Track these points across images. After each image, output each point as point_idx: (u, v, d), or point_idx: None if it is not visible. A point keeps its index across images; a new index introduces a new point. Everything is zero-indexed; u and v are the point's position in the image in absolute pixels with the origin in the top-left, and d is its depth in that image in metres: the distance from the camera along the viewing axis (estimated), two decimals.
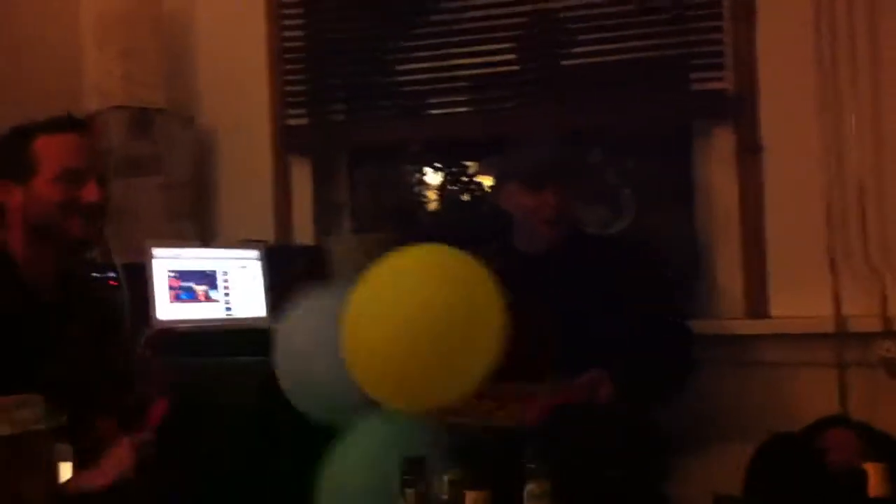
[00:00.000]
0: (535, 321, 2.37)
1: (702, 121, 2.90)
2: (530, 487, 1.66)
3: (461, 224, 3.28)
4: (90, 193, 2.02)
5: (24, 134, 2.04)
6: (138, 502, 1.94)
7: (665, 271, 2.58)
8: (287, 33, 3.22)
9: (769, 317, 2.77)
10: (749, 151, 2.81)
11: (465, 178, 3.33)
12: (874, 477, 1.70)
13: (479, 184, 3.31)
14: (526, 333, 2.35)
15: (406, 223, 3.27)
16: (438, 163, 3.33)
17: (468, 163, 3.32)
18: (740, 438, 2.39)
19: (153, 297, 2.57)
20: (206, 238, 3.07)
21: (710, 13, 2.84)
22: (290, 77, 3.22)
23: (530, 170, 2.47)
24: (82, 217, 2.02)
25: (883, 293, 2.63)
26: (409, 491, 1.61)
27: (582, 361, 2.27)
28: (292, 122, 3.22)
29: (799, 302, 2.72)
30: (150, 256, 2.61)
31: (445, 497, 1.64)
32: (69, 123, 2.07)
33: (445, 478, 1.64)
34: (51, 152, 2.02)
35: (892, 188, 2.68)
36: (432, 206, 3.35)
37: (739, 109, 2.81)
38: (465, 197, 3.31)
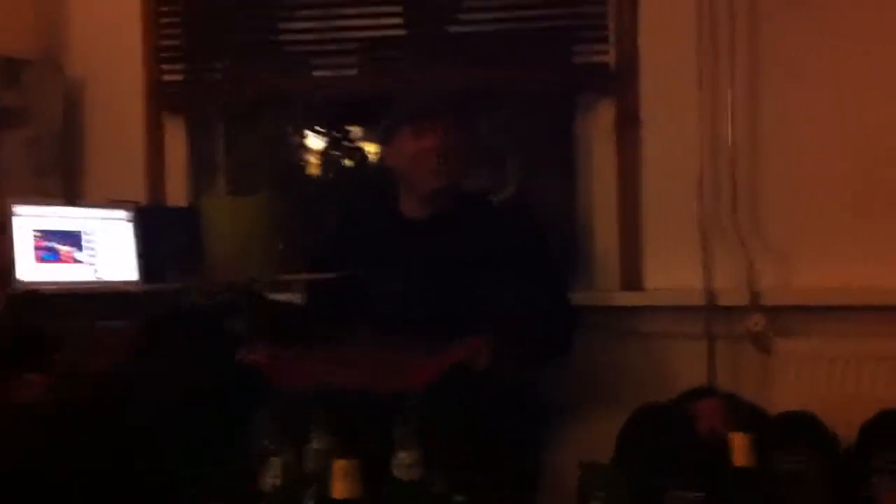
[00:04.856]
0: (416, 286, 2.36)
1: (584, 92, 2.92)
2: (400, 456, 1.65)
3: (342, 188, 3.23)
4: None
5: None
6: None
7: (546, 239, 2.59)
8: None
9: (643, 289, 2.81)
10: (628, 124, 2.83)
11: (347, 143, 3.27)
12: (738, 447, 1.74)
13: (362, 149, 3.26)
14: (406, 298, 2.34)
15: (285, 186, 3.19)
16: (321, 126, 3.26)
17: (351, 127, 3.26)
18: (614, 408, 2.42)
19: (13, 257, 2.45)
20: (72, 196, 2.94)
21: None
22: (167, 30, 3.10)
23: (415, 110, 2.45)
24: None
25: (752, 268, 2.70)
26: (275, 460, 1.58)
27: (462, 327, 2.26)
28: (167, 77, 3.10)
29: (672, 275, 2.77)
30: (11, 214, 2.48)
31: (312, 466, 1.61)
32: None
33: (312, 446, 1.61)
34: None
35: (765, 165, 2.75)
36: (313, 169, 3.28)
37: (620, 83, 2.83)
38: (348, 162, 3.26)
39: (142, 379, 2.19)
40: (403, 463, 1.66)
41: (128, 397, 2.14)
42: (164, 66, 3.10)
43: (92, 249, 2.64)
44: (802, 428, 2.13)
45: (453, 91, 2.61)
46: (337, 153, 3.27)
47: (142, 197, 3.00)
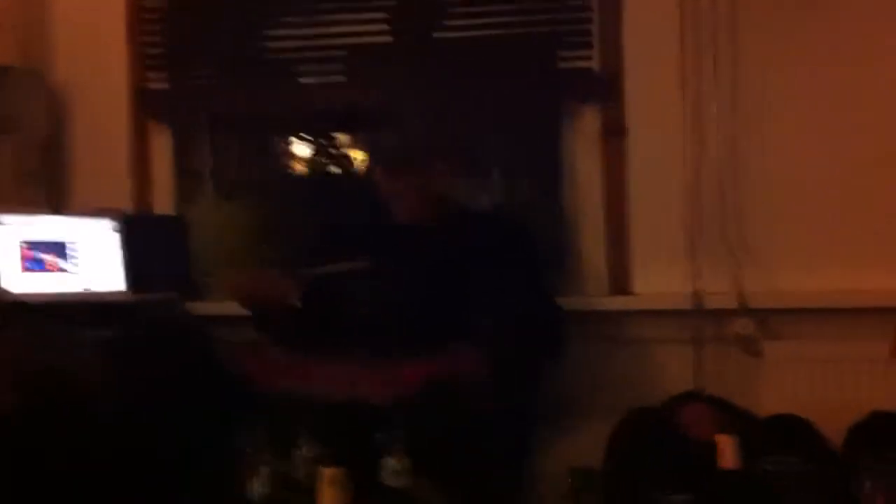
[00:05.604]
0: (407, 294, 2.35)
1: (570, 100, 2.92)
2: (388, 463, 1.64)
3: (330, 194, 3.23)
4: None
5: None
6: None
7: (535, 248, 2.59)
8: None
9: (631, 293, 2.82)
10: (614, 132, 2.84)
11: (334, 150, 3.26)
12: (725, 449, 1.75)
13: (348, 156, 3.25)
14: (397, 305, 2.34)
15: (271, 193, 3.18)
16: (307, 133, 3.25)
17: (337, 133, 3.25)
18: (603, 413, 2.42)
19: None
20: (56, 205, 2.93)
21: None
22: (151, 38, 3.09)
23: (387, 155, 2.49)
24: None
25: (739, 272, 2.70)
26: (263, 468, 1.57)
27: (452, 335, 2.26)
28: (152, 85, 3.09)
29: (660, 279, 2.78)
30: None
31: (300, 474, 1.60)
32: None
33: (301, 454, 1.61)
34: None
35: (750, 170, 2.76)
36: (299, 176, 3.27)
37: (605, 89, 2.84)
38: (334, 168, 3.25)
39: (124, 387, 2.17)
40: (392, 470, 1.65)
41: (109, 404, 2.12)
42: (149, 74, 3.09)
43: (77, 259, 2.63)
44: (791, 430, 2.13)
45: (429, 125, 2.61)
46: (324, 160, 3.27)
47: (128, 205, 2.99)
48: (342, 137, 3.26)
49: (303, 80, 3.09)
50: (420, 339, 2.26)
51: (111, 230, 2.72)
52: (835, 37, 2.71)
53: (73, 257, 2.62)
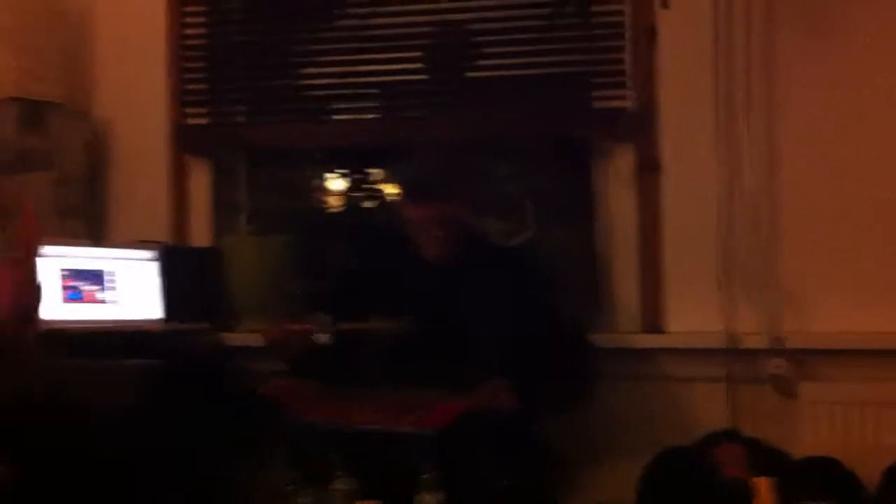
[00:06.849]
0: (437, 330, 2.36)
1: (604, 138, 2.93)
2: (422, 498, 1.65)
3: (363, 230, 3.25)
4: None
5: None
6: None
7: (563, 284, 2.59)
8: (188, 31, 3.14)
9: (664, 331, 2.81)
10: (648, 169, 2.85)
11: (367, 185, 3.30)
12: (762, 491, 1.74)
13: (381, 191, 3.28)
14: (427, 342, 2.34)
15: (306, 227, 3.22)
16: (341, 168, 3.29)
17: (371, 169, 3.29)
18: (634, 451, 2.41)
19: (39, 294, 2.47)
20: (96, 237, 2.97)
21: (613, 32, 2.88)
22: (191, 76, 3.15)
23: (411, 184, 2.47)
24: None
25: (773, 311, 2.69)
26: (299, 502, 1.58)
27: (483, 371, 2.26)
28: (191, 121, 3.14)
29: (693, 318, 2.76)
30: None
31: None
32: None
33: (336, 487, 1.62)
34: None
35: (783, 209, 2.75)
36: (333, 210, 3.30)
37: (639, 128, 2.85)
38: (368, 203, 3.28)
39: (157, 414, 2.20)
40: None
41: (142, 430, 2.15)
42: (188, 110, 3.14)
43: (115, 289, 2.67)
44: (826, 473, 2.11)
45: (457, 157, 2.60)
46: (357, 195, 3.30)
47: (166, 238, 3.03)
48: (376, 173, 3.29)
49: (337, 117, 3.13)
50: (451, 376, 2.26)
51: (149, 260, 2.76)
52: (873, 69, 2.71)
53: (110, 287, 2.66)
